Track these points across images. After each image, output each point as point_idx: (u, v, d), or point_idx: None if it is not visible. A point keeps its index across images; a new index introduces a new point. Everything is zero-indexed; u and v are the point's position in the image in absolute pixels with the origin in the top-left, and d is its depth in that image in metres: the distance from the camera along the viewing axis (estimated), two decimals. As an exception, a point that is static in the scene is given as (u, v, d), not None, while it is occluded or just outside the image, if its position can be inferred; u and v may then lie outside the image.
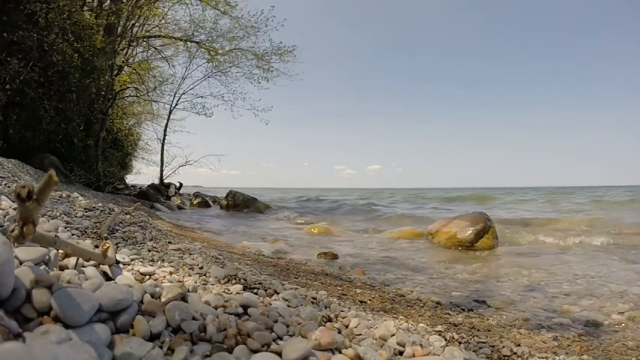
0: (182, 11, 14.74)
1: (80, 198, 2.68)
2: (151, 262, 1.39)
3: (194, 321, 0.78)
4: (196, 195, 13.19)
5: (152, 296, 0.87)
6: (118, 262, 1.28)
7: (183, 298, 0.90)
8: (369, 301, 2.04)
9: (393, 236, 5.41)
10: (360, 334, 1.15)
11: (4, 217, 1.43)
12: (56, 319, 0.63)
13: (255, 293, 1.30)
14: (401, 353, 1.02)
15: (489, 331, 1.70)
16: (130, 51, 12.00)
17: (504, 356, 1.29)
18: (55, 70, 6.67)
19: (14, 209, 1.54)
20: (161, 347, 0.68)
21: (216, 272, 1.40)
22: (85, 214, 2.07)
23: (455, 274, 3.02)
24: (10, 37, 5.99)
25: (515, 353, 1.31)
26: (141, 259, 1.39)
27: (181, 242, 2.19)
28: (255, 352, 0.75)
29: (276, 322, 0.92)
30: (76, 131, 8.09)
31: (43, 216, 1.70)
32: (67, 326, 0.61)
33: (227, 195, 11.60)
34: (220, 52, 12.64)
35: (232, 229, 5.85)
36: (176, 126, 14.60)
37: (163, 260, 1.46)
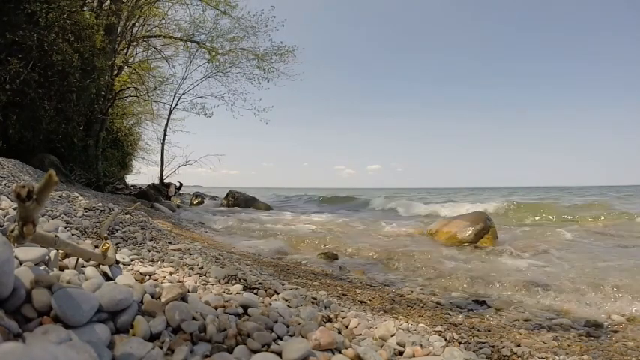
0: (182, 11, 14.69)
1: (80, 198, 2.68)
2: (151, 262, 1.39)
3: (194, 321, 0.78)
4: (196, 195, 13.20)
5: (152, 296, 0.87)
6: (118, 262, 1.27)
7: (183, 298, 0.90)
8: (369, 301, 2.04)
9: (393, 235, 5.41)
10: (360, 334, 1.15)
11: (4, 217, 1.43)
12: (56, 319, 0.63)
13: (255, 293, 1.30)
14: (401, 353, 1.02)
15: (489, 331, 1.70)
16: (130, 51, 11.97)
17: (504, 356, 1.29)
18: (55, 70, 6.66)
19: (14, 209, 1.54)
20: (161, 347, 0.68)
21: (216, 272, 1.40)
22: (85, 214, 2.07)
23: (455, 273, 3.02)
24: (10, 37, 5.99)
25: (515, 353, 1.31)
26: (141, 259, 1.39)
27: (181, 242, 2.19)
28: (255, 352, 0.75)
29: (276, 322, 0.92)
30: (76, 131, 8.08)
31: (43, 216, 1.70)
32: (67, 326, 0.61)
33: (227, 195, 11.61)
34: (220, 52, 12.63)
35: (232, 228, 5.85)
36: (176, 126, 14.57)
37: (163, 260, 1.46)
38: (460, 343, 1.33)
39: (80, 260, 1.02)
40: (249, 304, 1.00)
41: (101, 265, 1.08)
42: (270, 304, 1.14)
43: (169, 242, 2.01)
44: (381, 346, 1.02)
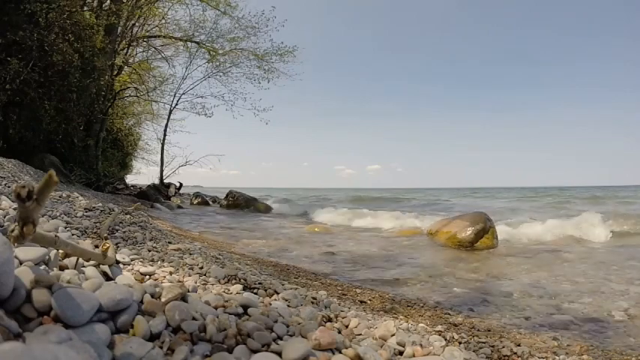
0: (182, 11, 14.66)
1: (80, 198, 2.68)
2: (151, 262, 1.39)
3: (194, 321, 0.78)
4: (196, 195, 13.20)
5: (152, 296, 0.87)
6: (118, 262, 1.28)
7: (183, 298, 0.90)
8: (369, 301, 2.04)
9: (393, 235, 5.41)
10: (360, 334, 1.15)
11: (4, 217, 1.43)
12: (56, 319, 0.63)
13: (255, 293, 1.30)
14: (401, 353, 1.02)
15: (489, 331, 1.70)
16: (130, 51, 11.98)
17: (504, 356, 1.29)
18: (55, 70, 6.67)
19: (14, 209, 1.54)
20: (161, 347, 0.68)
21: (216, 272, 1.40)
22: (85, 214, 2.07)
23: (455, 273, 3.02)
24: (11, 36, 5.99)
25: (515, 353, 1.31)
26: (141, 259, 1.39)
27: (181, 242, 2.20)
28: (255, 352, 0.75)
29: (276, 322, 0.92)
30: (76, 131, 8.09)
31: (43, 216, 1.70)
32: (67, 326, 0.61)
33: (227, 195, 11.61)
34: (220, 52, 12.63)
35: (232, 228, 5.85)
36: (176, 126, 14.56)
37: (163, 260, 1.46)
38: (460, 343, 1.33)
39: (80, 260, 1.02)
40: (249, 304, 1.00)
41: (101, 265, 1.08)
42: (270, 304, 1.14)
43: (169, 242, 2.01)
44: (381, 346, 1.02)
